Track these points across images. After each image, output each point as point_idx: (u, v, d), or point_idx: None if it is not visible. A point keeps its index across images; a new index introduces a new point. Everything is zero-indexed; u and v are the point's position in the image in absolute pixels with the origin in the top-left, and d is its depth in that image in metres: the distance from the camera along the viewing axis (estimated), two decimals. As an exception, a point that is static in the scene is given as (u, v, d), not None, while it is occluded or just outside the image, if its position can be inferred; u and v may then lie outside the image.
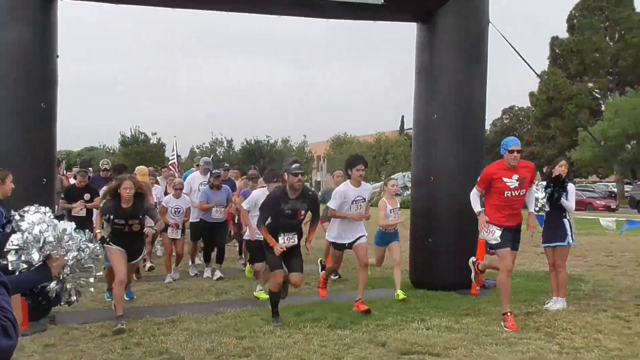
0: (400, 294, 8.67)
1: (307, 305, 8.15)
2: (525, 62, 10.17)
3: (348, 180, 8.11)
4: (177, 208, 10.86)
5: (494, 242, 7.23)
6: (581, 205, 35.42)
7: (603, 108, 53.77)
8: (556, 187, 8.02)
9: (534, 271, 11.34)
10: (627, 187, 47.38)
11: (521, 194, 7.30)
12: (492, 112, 71.99)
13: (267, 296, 7.99)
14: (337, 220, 8.14)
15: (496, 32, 9.73)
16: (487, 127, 67.81)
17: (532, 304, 8.24)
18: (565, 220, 8.11)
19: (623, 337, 6.60)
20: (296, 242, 7.44)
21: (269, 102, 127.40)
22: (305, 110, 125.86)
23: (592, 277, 10.80)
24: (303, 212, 7.43)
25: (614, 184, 51.38)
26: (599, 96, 58.50)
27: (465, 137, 9.51)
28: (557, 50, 57.37)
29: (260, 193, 8.81)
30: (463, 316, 7.61)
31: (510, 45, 9.91)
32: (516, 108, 70.97)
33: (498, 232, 7.17)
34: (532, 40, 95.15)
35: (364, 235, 8.14)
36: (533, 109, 60.23)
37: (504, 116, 71.73)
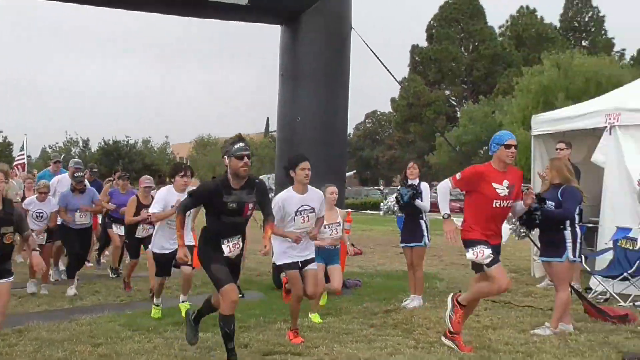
0: (316, 318, 7.43)
1: (168, 309, 7.94)
2: (386, 68, 10.52)
3: (290, 187, 6.54)
4: (40, 212, 9.64)
5: (486, 261, 5.90)
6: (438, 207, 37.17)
7: (459, 115, 56.83)
8: (410, 189, 8.30)
9: (394, 270, 11.73)
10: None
11: (509, 205, 6.07)
12: (355, 116, 74.13)
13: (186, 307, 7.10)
14: (277, 237, 6.47)
15: (359, 38, 10.01)
16: (351, 130, 69.85)
17: (391, 302, 8.51)
18: (422, 222, 8.43)
19: (473, 330, 6.97)
20: (241, 247, 5.86)
21: (129, 102, 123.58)
22: (167, 110, 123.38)
23: (447, 275, 11.35)
24: (251, 206, 5.79)
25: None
26: (455, 103, 61.83)
27: (328, 140, 9.69)
28: (417, 58, 60.07)
29: (165, 191, 7.71)
30: (325, 315, 7.72)
31: (372, 51, 10.20)
32: (378, 113, 73.48)
33: (488, 251, 5.86)
34: (394, 47, 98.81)
35: (313, 259, 6.68)
36: (394, 114, 62.58)
37: (366, 120, 74.05)
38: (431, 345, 6.37)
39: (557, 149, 9.49)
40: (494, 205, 5.93)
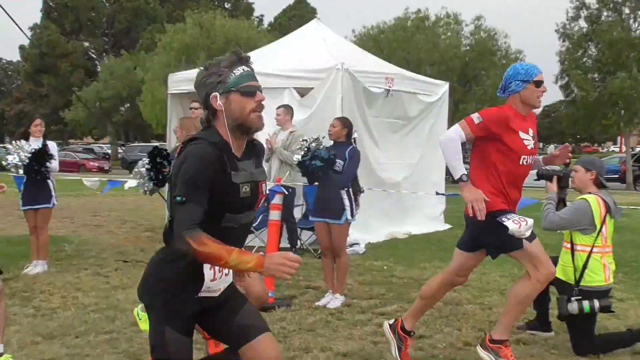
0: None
1: None
2: (6, 12, 9.40)
3: None
4: None
5: (528, 232, 4.20)
6: (74, 166, 35.54)
7: (99, 69, 54.73)
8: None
9: (15, 236, 10.72)
10: (121, 150, 49.12)
11: (532, 162, 4.51)
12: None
13: None
14: None
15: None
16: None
17: (10, 270, 7.72)
18: (49, 182, 7.80)
19: (101, 292, 6.73)
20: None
21: None
22: None
23: (77, 237, 10.78)
24: (264, 188, 3.18)
25: (108, 145, 53.11)
26: (95, 57, 59.34)
27: None
28: (51, 4, 55.82)
29: None
30: None
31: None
32: (4, 61, 67.16)
33: (530, 220, 4.22)
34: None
35: None
36: (24, 63, 57.60)
37: (-9, 69, 67.13)
38: (53, 311, 5.99)
39: (190, 109, 9.58)
40: (520, 162, 4.37)
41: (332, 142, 6.62)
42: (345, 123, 6.67)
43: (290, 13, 61.32)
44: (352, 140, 6.61)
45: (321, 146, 6.58)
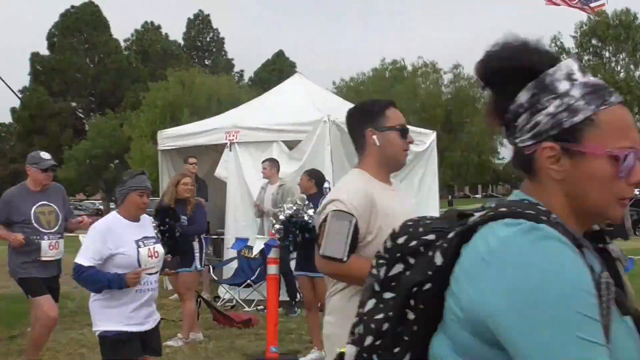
0: None
1: None
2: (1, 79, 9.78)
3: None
4: None
5: None
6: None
7: (87, 128, 55.05)
8: None
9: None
10: (112, 205, 49.04)
11: None
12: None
13: None
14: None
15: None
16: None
17: (15, 327, 7.93)
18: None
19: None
20: None
21: None
22: None
23: (79, 294, 10.90)
24: None
25: (100, 201, 53.15)
26: (82, 116, 59.71)
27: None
28: (38, 67, 56.47)
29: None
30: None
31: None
32: (-3, 123, 67.06)
33: None
34: (14, 54, 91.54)
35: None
36: (16, 125, 57.97)
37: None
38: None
39: (191, 163, 9.81)
40: None
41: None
42: (312, 175, 6.98)
43: (270, 67, 61.73)
44: (324, 191, 6.71)
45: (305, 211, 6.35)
